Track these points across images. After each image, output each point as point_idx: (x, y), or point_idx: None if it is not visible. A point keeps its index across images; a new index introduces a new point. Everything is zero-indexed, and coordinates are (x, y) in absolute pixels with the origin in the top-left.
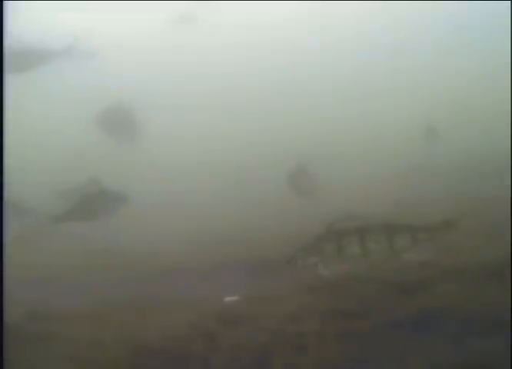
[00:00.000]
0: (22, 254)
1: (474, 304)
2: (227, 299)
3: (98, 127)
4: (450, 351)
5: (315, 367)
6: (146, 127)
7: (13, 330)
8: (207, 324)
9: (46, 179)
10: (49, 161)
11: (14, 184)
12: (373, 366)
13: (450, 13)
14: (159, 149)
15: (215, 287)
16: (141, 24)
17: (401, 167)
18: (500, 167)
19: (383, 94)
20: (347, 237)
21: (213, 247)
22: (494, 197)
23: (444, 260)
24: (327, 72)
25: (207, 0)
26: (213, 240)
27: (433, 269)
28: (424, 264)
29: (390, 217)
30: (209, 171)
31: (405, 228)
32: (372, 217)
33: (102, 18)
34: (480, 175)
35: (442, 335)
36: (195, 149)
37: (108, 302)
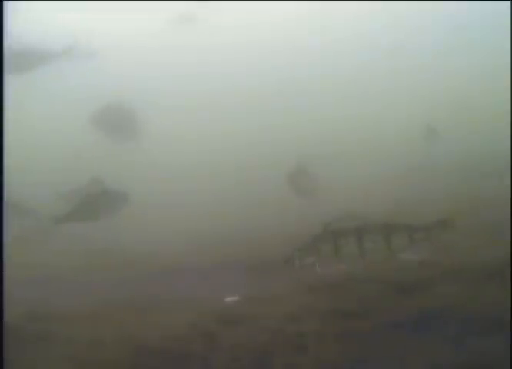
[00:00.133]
0: (22, 254)
1: (474, 304)
2: (228, 299)
3: (97, 127)
4: (450, 351)
5: (315, 367)
6: (146, 128)
7: (13, 330)
8: (207, 324)
9: (47, 179)
10: (49, 162)
11: (14, 184)
12: (373, 366)
13: (450, 13)
14: (159, 149)
15: (215, 287)
16: (141, 24)
17: (401, 167)
18: (500, 167)
19: (383, 94)
20: (344, 237)
21: (213, 247)
22: (494, 197)
23: (444, 260)
24: (327, 72)
25: (207, 0)
26: (213, 240)
27: (433, 269)
28: (423, 263)
29: (389, 217)
30: (209, 171)
31: (403, 228)
32: (372, 217)
33: (102, 18)
34: (480, 175)
35: (442, 335)
36: (195, 149)
37: (108, 302)
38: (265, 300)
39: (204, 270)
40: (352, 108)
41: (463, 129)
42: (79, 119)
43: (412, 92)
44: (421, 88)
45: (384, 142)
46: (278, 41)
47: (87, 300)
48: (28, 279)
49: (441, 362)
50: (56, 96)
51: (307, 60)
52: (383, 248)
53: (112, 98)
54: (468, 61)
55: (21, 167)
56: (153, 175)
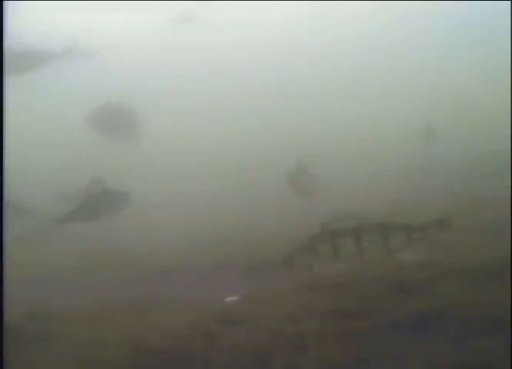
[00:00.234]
0: (22, 254)
1: (474, 304)
2: (228, 299)
3: (97, 127)
4: (450, 351)
5: (315, 367)
6: (146, 128)
7: (13, 330)
8: (207, 324)
9: (47, 180)
10: (50, 162)
11: (15, 184)
12: (373, 366)
13: (450, 13)
14: (159, 149)
15: (215, 287)
16: (141, 24)
17: (401, 167)
18: (500, 167)
19: (383, 94)
20: (342, 237)
21: (213, 247)
22: (494, 197)
23: (444, 260)
24: (327, 72)
25: (207, 0)
26: (213, 240)
27: (433, 269)
28: (423, 263)
29: (389, 217)
30: (209, 171)
31: (401, 228)
32: (372, 217)
33: (102, 18)
34: (480, 175)
35: (442, 335)
36: (195, 149)
37: (109, 302)
38: (265, 300)
39: (204, 270)
40: (352, 108)
41: (463, 129)
42: (79, 119)
43: (412, 92)
44: (421, 88)
45: (383, 142)
46: (278, 41)
47: (87, 300)
48: (28, 279)
49: (441, 362)
50: (56, 96)
51: (307, 60)
52: (381, 248)
53: (112, 98)
54: (468, 61)
55: (22, 167)
56: (153, 175)
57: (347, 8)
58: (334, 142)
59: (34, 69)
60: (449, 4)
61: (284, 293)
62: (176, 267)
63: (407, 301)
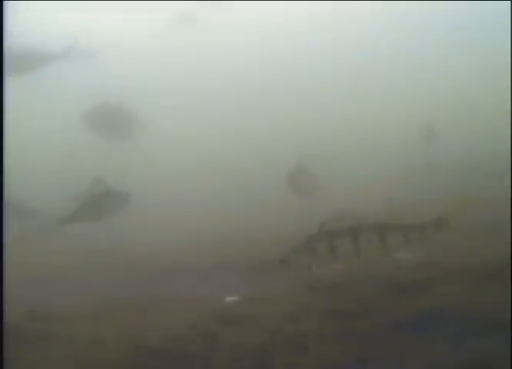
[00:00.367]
0: (22, 254)
1: (474, 304)
2: (228, 299)
3: (97, 127)
4: (450, 351)
5: (315, 367)
6: (146, 128)
7: (13, 330)
8: (207, 324)
9: (48, 180)
10: (50, 162)
11: (15, 184)
12: (373, 366)
13: (450, 13)
14: (159, 149)
15: (215, 287)
16: (141, 24)
17: (401, 167)
18: (500, 167)
19: (383, 94)
20: (340, 237)
21: (213, 247)
22: (494, 197)
23: (444, 260)
24: (327, 72)
25: (207, 0)
26: (213, 240)
27: (433, 269)
28: (422, 263)
29: (389, 217)
30: (209, 171)
31: (398, 227)
32: (372, 217)
33: (102, 18)
34: (480, 175)
35: (442, 335)
36: (195, 149)
37: (109, 302)
38: (265, 300)
39: (204, 270)
40: (352, 108)
41: (463, 129)
42: (79, 119)
43: (412, 92)
44: (421, 88)
45: (383, 142)
46: (278, 41)
47: (87, 300)
48: (28, 279)
49: (441, 362)
50: (56, 96)
51: (307, 60)
52: (378, 248)
53: (111, 98)
54: (468, 61)
55: (23, 168)
56: (153, 175)
57: (347, 8)
58: (334, 142)
59: (34, 69)
60: (449, 4)
61: (284, 293)
62: (176, 267)
63: (407, 301)
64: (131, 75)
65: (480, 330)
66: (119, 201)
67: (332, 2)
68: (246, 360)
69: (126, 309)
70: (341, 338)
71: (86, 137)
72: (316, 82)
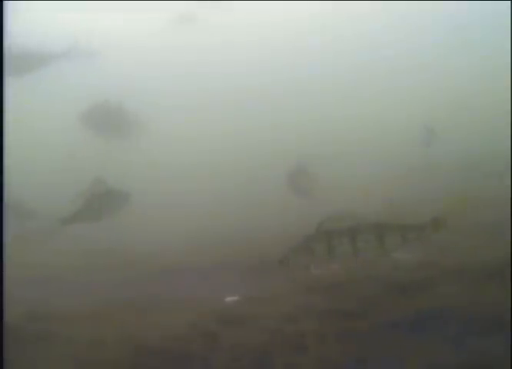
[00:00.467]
0: (22, 253)
1: (474, 304)
2: (228, 299)
3: (97, 127)
4: (450, 351)
5: (315, 367)
6: (146, 127)
7: (13, 330)
8: (207, 324)
9: (49, 180)
10: (50, 163)
11: (15, 185)
12: (373, 366)
13: (450, 13)
14: (159, 149)
15: (215, 287)
16: (141, 24)
17: (401, 167)
18: (500, 167)
19: (383, 94)
20: (338, 237)
21: (213, 247)
22: (494, 197)
23: (444, 260)
24: (327, 72)
25: (207, 0)
26: (213, 240)
27: (433, 269)
28: (421, 263)
29: (389, 218)
30: (209, 171)
31: (397, 228)
32: (372, 217)
33: (102, 18)
34: (480, 175)
35: (442, 335)
36: (195, 149)
37: (109, 302)
38: (265, 300)
39: (204, 270)
40: (352, 108)
41: (463, 129)
42: (79, 119)
43: (412, 92)
44: (421, 88)
45: (383, 142)
46: (278, 41)
47: (87, 300)
48: (28, 279)
49: (441, 362)
50: (56, 96)
51: (307, 60)
52: (376, 248)
53: (111, 98)
54: (468, 61)
55: (23, 168)
56: (153, 175)
57: (347, 8)
58: (334, 142)
59: (34, 69)
60: (449, 4)
61: (283, 293)
62: (176, 267)
63: (407, 301)
64: (131, 75)
65: (480, 330)
66: (119, 201)
67: (332, 2)
68: (246, 360)
69: (126, 309)
70: (341, 338)
71: (86, 137)
72: (316, 82)
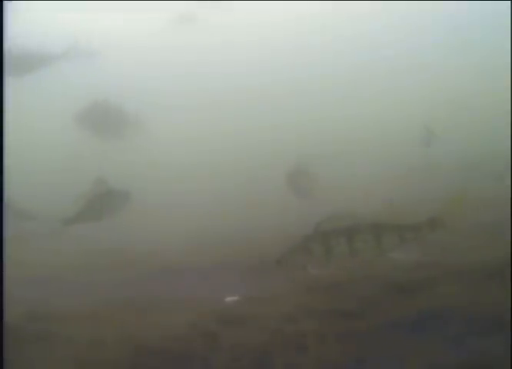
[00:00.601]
0: (22, 253)
1: (474, 304)
2: (228, 299)
3: (97, 127)
4: (450, 351)
5: (315, 367)
6: (146, 127)
7: (13, 330)
8: (207, 324)
9: (48, 180)
10: (50, 163)
11: (15, 185)
12: (373, 366)
13: (450, 13)
14: (159, 149)
15: (215, 287)
16: (141, 24)
17: (401, 167)
18: (500, 167)
19: (382, 95)
20: (336, 237)
21: (213, 247)
22: (494, 197)
23: (444, 260)
24: (327, 72)
25: (207, 0)
26: (213, 240)
27: (433, 269)
28: (421, 263)
29: (388, 218)
30: (209, 171)
31: (394, 228)
32: (371, 217)
33: (102, 18)
34: (480, 175)
35: (442, 335)
36: (195, 149)
37: (109, 302)
38: (265, 300)
39: (204, 270)
40: (352, 108)
41: (463, 129)
42: (80, 119)
43: (412, 92)
44: (421, 88)
45: (383, 142)
46: (278, 41)
47: (87, 300)
48: (28, 279)
49: (441, 362)
50: (56, 96)
51: (307, 60)
52: (373, 248)
53: (111, 98)
54: (468, 61)
55: (23, 168)
56: (153, 175)
57: (347, 8)
58: (334, 142)
59: (34, 69)
60: (449, 4)
61: (283, 293)
62: (176, 267)
63: (407, 301)
64: (131, 75)
65: (480, 330)
66: (119, 201)
67: (332, 2)
68: (246, 360)
69: (126, 309)
70: (341, 338)
71: (86, 137)
72: (316, 82)
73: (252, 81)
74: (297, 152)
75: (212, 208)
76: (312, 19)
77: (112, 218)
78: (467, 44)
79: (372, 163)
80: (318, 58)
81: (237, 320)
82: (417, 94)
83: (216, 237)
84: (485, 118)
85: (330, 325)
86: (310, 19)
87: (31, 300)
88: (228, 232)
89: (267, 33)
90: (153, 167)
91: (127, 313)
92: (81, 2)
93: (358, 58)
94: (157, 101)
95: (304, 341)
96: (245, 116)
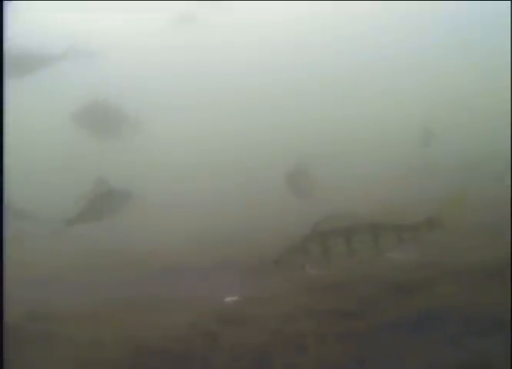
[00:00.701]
0: (22, 253)
1: (474, 304)
2: (227, 299)
3: (97, 127)
4: (450, 351)
5: (314, 367)
6: (146, 128)
7: (13, 330)
8: (207, 324)
9: (48, 181)
10: (50, 163)
11: (14, 185)
12: (372, 366)
13: (450, 13)
14: (159, 149)
15: (215, 287)
16: (141, 24)
17: (401, 167)
18: (500, 167)
19: (382, 95)
20: (333, 237)
21: (213, 247)
22: (494, 197)
23: (442, 260)
24: (327, 72)
25: (207, 0)
26: (213, 240)
27: (433, 269)
28: (421, 264)
29: (387, 218)
30: (209, 171)
31: (392, 228)
32: (370, 217)
33: (102, 18)
34: (480, 175)
35: (442, 335)
36: (195, 149)
37: (109, 302)
38: (265, 300)
39: (204, 270)
40: (351, 108)
41: (462, 129)
42: (80, 119)
43: (412, 92)
44: (421, 88)
45: (383, 142)
46: (278, 41)
47: (87, 300)
48: (28, 279)
49: (440, 362)
50: (56, 97)
51: (307, 60)
52: (371, 248)
53: (112, 98)
54: (468, 61)
55: (23, 169)
56: (152, 175)
57: (347, 8)
58: (333, 142)
59: (34, 70)
60: (449, 4)
61: (283, 293)
62: (176, 267)
63: (407, 301)
64: (131, 75)
65: (479, 330)
66: (119, 201)
67: (332, 2)
68: (246, 360)
69: (126, 309)
70: (341, 338)
71: (86, 137)
72: (315, 82)
73: (252, 81)
74: (297, 152)
75: (212, 208)
76: (312, 19)
77: (112, 218)
78: (467, 44)
79: (372, 163)
80: (318, 58)
81: (237, 320)
82: (417, 94)
83: (216, 237)
84: (485, 118)
85: (329, 325)
86: (310, 19)
87: (31, 300)
88: (228, 232)
89: (267, 33)
90: (153, 167)
91: (127, 313)
92: (81, 2)
93: (358, 58)
94: (157, 101)
95: (304, 341)
96: (245, 116)
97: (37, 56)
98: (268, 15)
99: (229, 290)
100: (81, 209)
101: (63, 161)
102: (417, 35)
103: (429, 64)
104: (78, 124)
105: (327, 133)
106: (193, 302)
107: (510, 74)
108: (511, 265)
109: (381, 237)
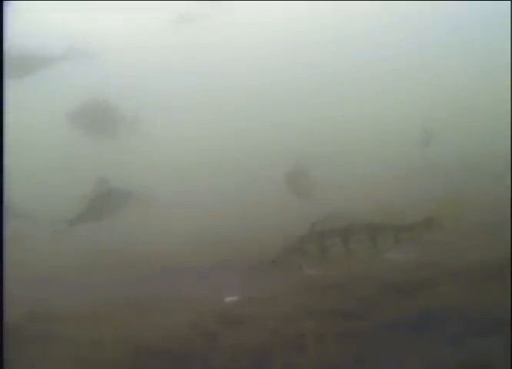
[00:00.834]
0: (22, 253)
1: (474, 304)
2: (227, 299)
3: (97, 127)
4: (450, 351)
5: (314, 367)
6: (146, 127)
7: (13, 330)
8: (207, 324)
9: (48, 181)
10: (50, 164)
11: (14, 185)
12: (372, 366)
13: (450, 13)
14: (159, 149)
15: (215, 287)
16: (141, 24)
17: (401, 167)
18: (499, 167)
19: (382, 95)
20: (331, 238)
21: (213, 247)
22: (494, 197)
23: (444, 260)
24: (327, 72)
25: (207, 0)
26: (213, 240)
27: (433, 269)
28: (423, 264)
29: (387, 218)
30: (209, 171)
31: (390, 228)
32: (369, 218)
33: (102, 18)
34: (480, 175)
35: (441, 335)
36: (195, 149)
37: (109, 302)
38: (265, 300)
39: (204, 270)
40: (351, 108)
41: (462, 129)
42: (80, 119)
43: (412, 92)
44: (421, 88)
45: (383, 142)
46: (278, 41)
47: (87, 300)
48: (28, 279)
49: (441, 362)
50: (56, 97)
51: (307, 60)
52: (368, 248)
53: (112, 98)
54: (468, 61)
55: (23, 169)
56: (152, 175)
57: (347, 8)
58: (333, 142)
59: (34, 70)
60: (449, 4)
61: (283, 293)
62: (176, 266)
63: (407, 302)
64: (131, 75)
65: (479, 330)
66: (119, 201)
67: (332, 2)
68: (246, 360)
69: (126, 309)
70: (340, 338)
71: (86, 137)
72: (316, 82)
73: (252, 81)
74: (297, 152)
75: (212, 208)
76: (312, 19)
77: (113, 218)
78: (467, 44)
79: (371, 163)
80: (318, 58)
81: (237, 320)
82: (417, 95)
83: (216, 237)
84: (485, 118)
85: (329, 325)
86: (310, 19)
87: (31, 300)
88: (228, 232)
89: (267, 33)
90: (153, 167)
91: (127, 313)
92: (81, 2)
93: (358, 58)
94: (157, 101)
95: (303, 341)
96: (245, 116)
97: (37, 56)
98: (268, 15)
99: (229, 291)
100: (82, 209)
101: (63, 161)
102: (417, 35)
103: (429, 64)
104: (78, 124)
105: (326, 133)
106: (193, 302)
107: (510, 74)
108: (511, 265)
109: (379, 238)
